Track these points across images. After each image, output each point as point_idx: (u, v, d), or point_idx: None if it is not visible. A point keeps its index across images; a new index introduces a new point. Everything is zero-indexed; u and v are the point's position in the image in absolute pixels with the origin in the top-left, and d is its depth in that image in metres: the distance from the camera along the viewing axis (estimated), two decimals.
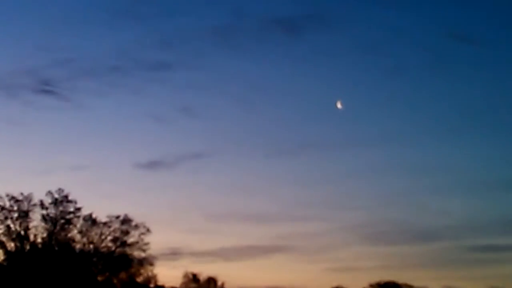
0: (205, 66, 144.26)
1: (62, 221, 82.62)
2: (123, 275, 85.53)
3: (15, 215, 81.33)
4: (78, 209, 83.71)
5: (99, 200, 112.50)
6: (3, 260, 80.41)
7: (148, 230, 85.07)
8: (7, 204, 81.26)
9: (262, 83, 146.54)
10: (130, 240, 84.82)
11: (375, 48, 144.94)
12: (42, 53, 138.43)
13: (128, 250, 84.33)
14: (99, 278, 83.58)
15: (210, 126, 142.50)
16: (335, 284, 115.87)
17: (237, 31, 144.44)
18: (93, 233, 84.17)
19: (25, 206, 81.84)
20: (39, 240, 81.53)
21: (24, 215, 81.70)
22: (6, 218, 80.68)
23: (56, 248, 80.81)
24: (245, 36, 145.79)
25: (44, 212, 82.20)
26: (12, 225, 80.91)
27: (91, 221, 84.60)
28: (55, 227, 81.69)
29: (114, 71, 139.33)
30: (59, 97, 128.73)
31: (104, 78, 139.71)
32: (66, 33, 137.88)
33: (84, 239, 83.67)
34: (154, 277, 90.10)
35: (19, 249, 79.74)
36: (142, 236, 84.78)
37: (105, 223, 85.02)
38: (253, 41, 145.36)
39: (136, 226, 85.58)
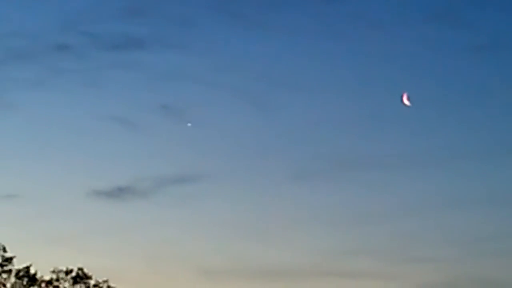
0: (195, 45, 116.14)
1: None
2: None
3: None
4: (9, 260, 74.15)
5: (39, 246, 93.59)
6: None
7: None
8: None
9: (282, 72, 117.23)
10: None
11: (453, 17, 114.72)
12: None
13: None
14: None
15: (204, 135, 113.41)
16: None
17: None
18: None
19: None
20: None
21: None
22: None
23: None
24: (259, 2, 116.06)
25: None
26: None
27: (29, 278, 75.05)
28: None
29: (58, 51, 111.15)
30: None
31: (43, 62, 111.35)
32: None
33: None
34: None
35: None
36: None
37: (49, 282, 75.89)
38: (269, 9, 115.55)
39: (97, 286, 77.13)
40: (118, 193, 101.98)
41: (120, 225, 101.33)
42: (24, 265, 73.80)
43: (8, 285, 73.54)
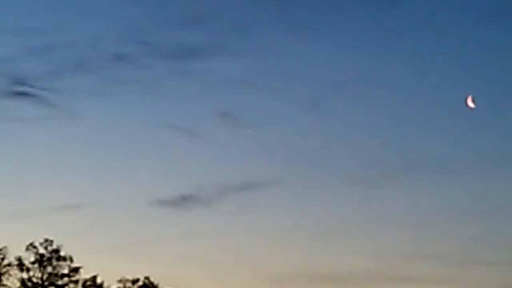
0: (253, 52, 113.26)
1: None
2: None
3: None
4: (75, 270, 74.18)
5: (105, 256, 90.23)
6: None
7: None
8: None
9: (341, 76, 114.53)
10: None
11: None
12: (11, 39, 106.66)
13: None
14: None
15: (264, 141, 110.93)
16: None
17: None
18: None
19: None
20: None
21: None
22: None
23: None
24: (314, 6, 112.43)
25: (25, 275, 73.34)
26: None
27: (95, 287, 75.59)
28: None
29: (118, 61, 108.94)
30: (38, 102, 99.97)
31: (103, 72, 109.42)
32: (45, 10, 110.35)
33: None
34: None
35: None
36: None
37: None
38: (326, 13, 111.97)
39: None
40: (182, 201, 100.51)
41: (185, 234, 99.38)
42: (91, 275, 74.10)
43: None
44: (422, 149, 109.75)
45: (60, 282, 73.20)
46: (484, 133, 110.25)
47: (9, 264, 72.88)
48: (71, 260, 72.96)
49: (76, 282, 73.50)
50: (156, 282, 75.35)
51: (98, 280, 74.27)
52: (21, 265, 73.30)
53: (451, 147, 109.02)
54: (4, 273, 72.92)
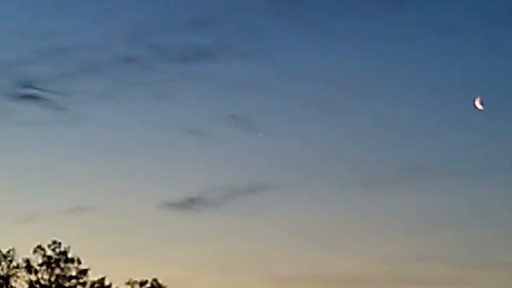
0: (262, 54, 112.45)
1: None
2: None
3: None
4: (83, 272, 73.70)
5: (113, 257, 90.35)
6: None
7: None
8: None
9: (352, 78, 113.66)
10: None
11: None
12: (20, 42, 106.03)
13: None
14: None
15: (273, 144, 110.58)
16: None
17: (311, 1, 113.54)
18: None
19: (3, 269, 72.28)
20: None
21: (2, 282, 71.89)
22: None
23: None
24: (325, 8, 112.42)
25: (33, 277, 72.54)
26: None
27: None
28: None
29: (127, 64, 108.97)
30: (47, 105, 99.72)
31: (113, 75, 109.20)
32: (53, 13, 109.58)
33: None
34: None
35: None
36: None
37: None
38: (337, 15, 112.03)
39: None
40: (189, 204, 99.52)
41: (192, 236, 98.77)
42: (99, 277, 73.46)
43: None
44: (433, 151, 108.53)
45: (68, 284, 72.54)
46: (493, 135, 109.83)
47: (17, 266, 71.86)
48: (79, 262, 72.50)
49: (84, 284, 72.89)
50: (164, 284, 74.75)
51: (106, 282, 73.64)
52: (29, 267, 72.42)
53: (462, 149, 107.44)
54: (12, 275, 72.00)
